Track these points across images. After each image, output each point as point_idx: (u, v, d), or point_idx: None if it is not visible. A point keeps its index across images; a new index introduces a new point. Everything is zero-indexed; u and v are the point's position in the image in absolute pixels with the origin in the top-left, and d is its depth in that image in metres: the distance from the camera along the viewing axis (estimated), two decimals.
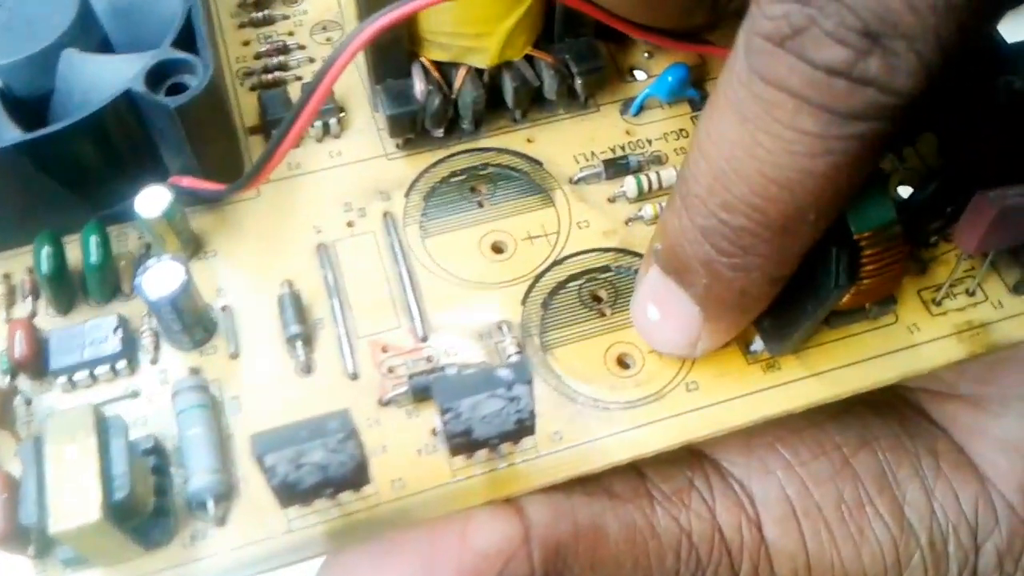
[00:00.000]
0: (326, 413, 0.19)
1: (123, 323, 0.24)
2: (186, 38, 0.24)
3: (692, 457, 0.26)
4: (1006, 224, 0.23)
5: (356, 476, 0.20)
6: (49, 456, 0.20)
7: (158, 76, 0.24)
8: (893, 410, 0.28)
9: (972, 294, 0.25)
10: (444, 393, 0.19)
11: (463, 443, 0.21)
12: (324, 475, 0.20)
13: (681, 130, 0.28)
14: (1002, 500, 0.28)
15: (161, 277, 0.23)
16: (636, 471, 0.25)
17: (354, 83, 0.28)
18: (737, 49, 0.19)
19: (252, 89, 0.28)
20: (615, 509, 0.24)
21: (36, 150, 0.23)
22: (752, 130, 0.18)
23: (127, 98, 0.24)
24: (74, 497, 0.20)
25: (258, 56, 0.29)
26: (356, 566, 0.22)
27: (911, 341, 0.25)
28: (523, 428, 0.21)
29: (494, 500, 0.22)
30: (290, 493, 0.20)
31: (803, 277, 0.22)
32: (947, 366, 0.24)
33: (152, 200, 0.24)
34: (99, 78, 0.24)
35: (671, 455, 0.26)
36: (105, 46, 0.26)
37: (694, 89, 0.28)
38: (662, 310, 0.23)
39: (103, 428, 0.21)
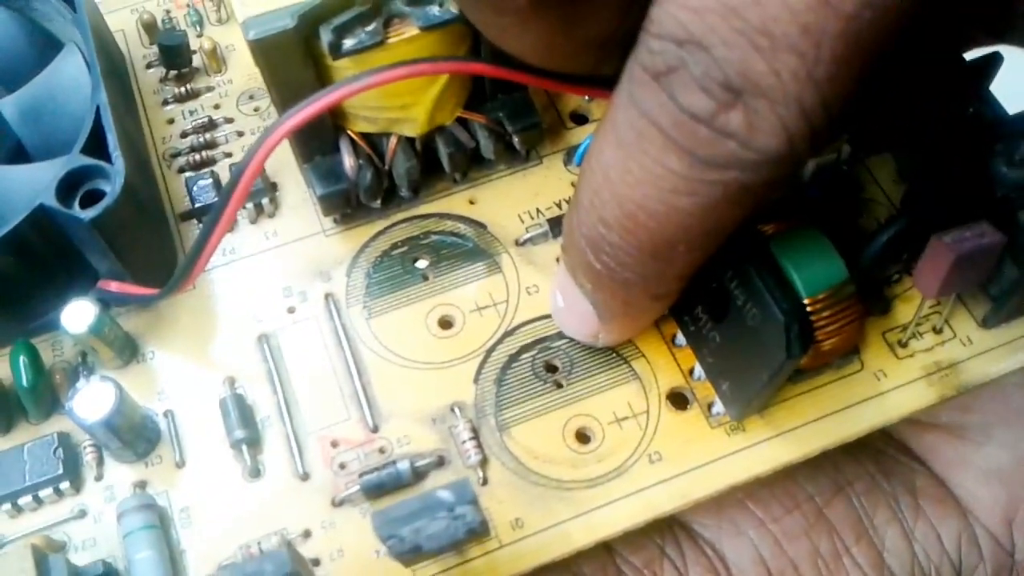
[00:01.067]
0: (263, 556, 0.18)
1: (63, 442, 0.23)
2: (97, 141, 0.23)
3: (661, 522, 0.25)
4: (964, 268, 0.22)
5: None
6: None
7: (70, 186, 0.23)
8: (868, 449, 0.28)
9: (939, 331, 0.24)
10: (383, 525, 0.18)
11: (414, 558, 0.20)
12: None
13: None
14: (986, 533, 0.27)
15: (92, 398, 0.22)
16: (604, 546, 0.24)
17: (286, 158, 0.27)
18: (624, 74, 0.18)
19: (180, 171, 0.27)
20: None
21: None
22: (625, 156, 0.18)
23: (42, 211, 0.23)
24: None
25: (184, 134, 0.28)
26: None
27: (878, 389, 0.24)
28: (476, 534, 0.20)
29: None
30: None
31: (756, 344, 0.21)
32: (917, 412, 0.24)
33: (78, 314, 0.23)
34: (13, 190, 0.23)
35: (643, 535, 0.25)
36: (18, 151, 0.25)
37: None
38: (565, 300, 0.23)
39: (45, 568, 0.20)
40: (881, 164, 0.27)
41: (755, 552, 0.25)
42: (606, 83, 0.20)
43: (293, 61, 0.22)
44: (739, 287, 0.21)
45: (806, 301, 0.21)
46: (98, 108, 0.24)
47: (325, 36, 0.22)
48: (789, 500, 0.26)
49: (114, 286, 0.24)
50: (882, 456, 0.28)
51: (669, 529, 0.25)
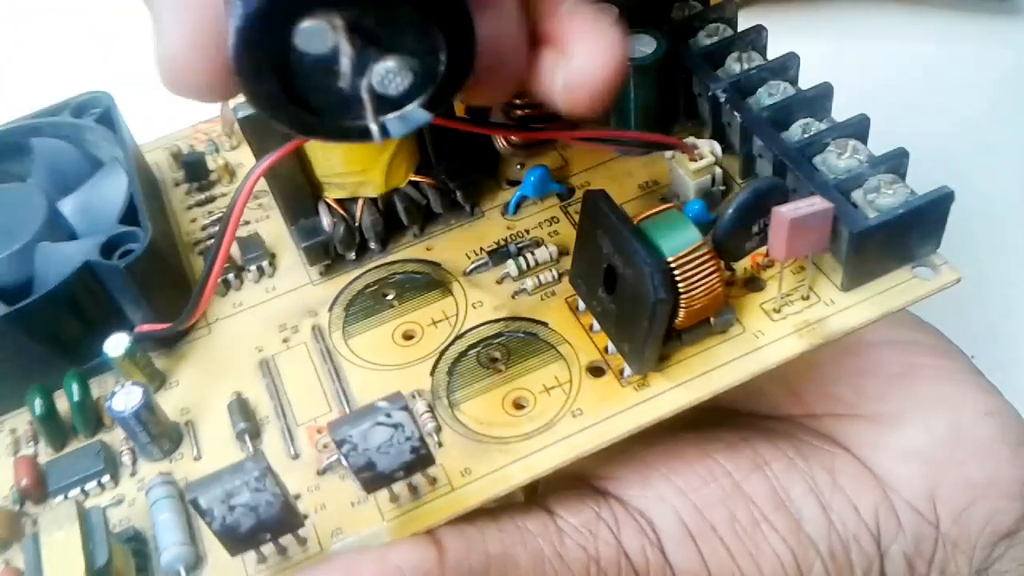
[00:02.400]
0: (244, 458, 0.24)
1: (104, 446, 0.29)
2: (131, 216, 0.31)
3: (597, 494, 0.30)
4: (803, 232, 0.28)
5: (287, 517, 0.25)
6: (44, 543, 0.25)
7: (111, 248, 0.30)
8: (788, 438, 0.32)
9: (807, 298, 0.30)
10: (336, 428, 0.24)
11: (371, 477, 0.25)
12: (257, 517, 0.24)
13: (552, 218, 0.33)
14: (906, 506, 0.30)
15: (126, 398, 0.28)
16: (546, 509, 0.29)
17: (281, 233, 0.34)
18: None
19: (200, 253, 0.34)
20: (525, 542, 0.28)
21: (22, 319, 0.29)
22: None
23: (87, 267, 0.29)
24: (64, 569, 0.24)
25: (203, 228, 0.35)
26: None
27: (757, 345, 0.29)
28: (421, 457, 0.25)
29: (416, 533, 0.27)
30: (233, 537, 0.24)
31: (636, 299, 0.27)
32: (790, 360, 0.28)
33: (117, 343, 0.29)
34: (68, 260, 0.30)
35: (576, 494, 0.30)
36: (73, 236, 0.32)
37: (557, 184, 0.34)
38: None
39: (84, 516, 0.25)
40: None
41: (676, 516, 0.29)
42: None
43: (273, 137, 0.30)
44: (619, 258, 0.27)
45: (669, 259, 0.27)
46: (131, 194, 0.31)
47: None
48: (708, 474, 0.30)
49: (146, 328, 0.30)
50: (801, 443, 0.32)
51: (603, 497, 0.30)
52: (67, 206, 0.32)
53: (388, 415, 0.24)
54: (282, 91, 0.21)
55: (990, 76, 0.31)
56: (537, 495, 0.31)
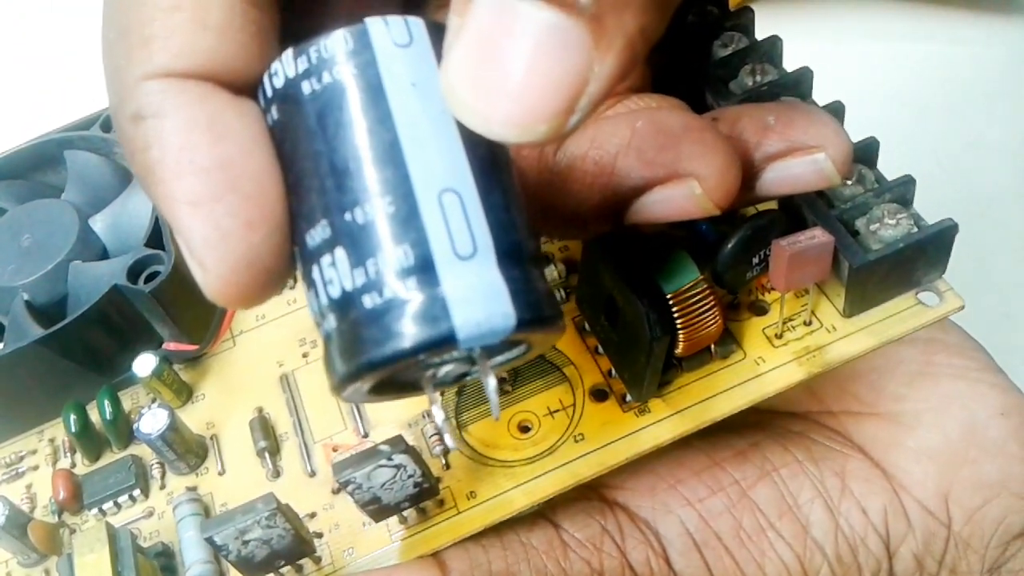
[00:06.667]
0: (256, 498, 0.25)
1: (135, 460, 0.31)
2: (156, 238, 0.32)
3: (604, 505, 0.31)
4: (802, 264, 0.28)
5: (298, 547, 0.26)
6: (76, 565, 0.27)
7: (138, 270, 0.31)
8: (800, 439, 0.32)
9: (808, 324, 0.30)
10: (340, 471, 0.25)
11: (378, 510, 0.27)
12: (270, 549, 0.26)
13: None
14: (917, 506, 0.31)
15: (152, 420, 0.30)
16: (552, 524, 0.30)
17: None
18: None
19: None
20: (529, 558, 0.29)
21: (56, 340, 0.31)
22: None
23: (116, 290, 0.31)
24: None
25: None
26: None
27: (757, 372, 0.29)
28: (424, 491, 0.27)
29: (424, 554, 0.28)
30: (249, 566, 0.26)
31: (635, 335, 0.27)
32: (788, 388, 0.29)
33: (145, 362, 0.31)
34: (98, 280, 0.32)
35: (583, 506, 0.31)
36: (103, 253, 0.34)
37: None
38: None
39: (114, 537, 0.27)
40: None
41: (682, 526, 0.30)
42: None
43: None
44: (620, 294, 0.28)
45: (668, 296, 0.27)
46: (156, 217, 0.33)
47: None
48: (715, 483, 0.31)
49: (173, 346, 0.32)
50: (813, 445, 0.32)
51: (610, 510, 0.31)
52: (98, 223, 0.34)
53: (390, 458, 0.25)
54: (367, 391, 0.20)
55: (990, 76, 0.30)
56: (543, 506, 0.32)
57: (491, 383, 0.20)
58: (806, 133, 0.25)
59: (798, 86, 0.32)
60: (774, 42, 0.33)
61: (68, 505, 0.30)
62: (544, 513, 0.31)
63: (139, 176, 0.20)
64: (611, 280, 0.28)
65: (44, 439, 0.33)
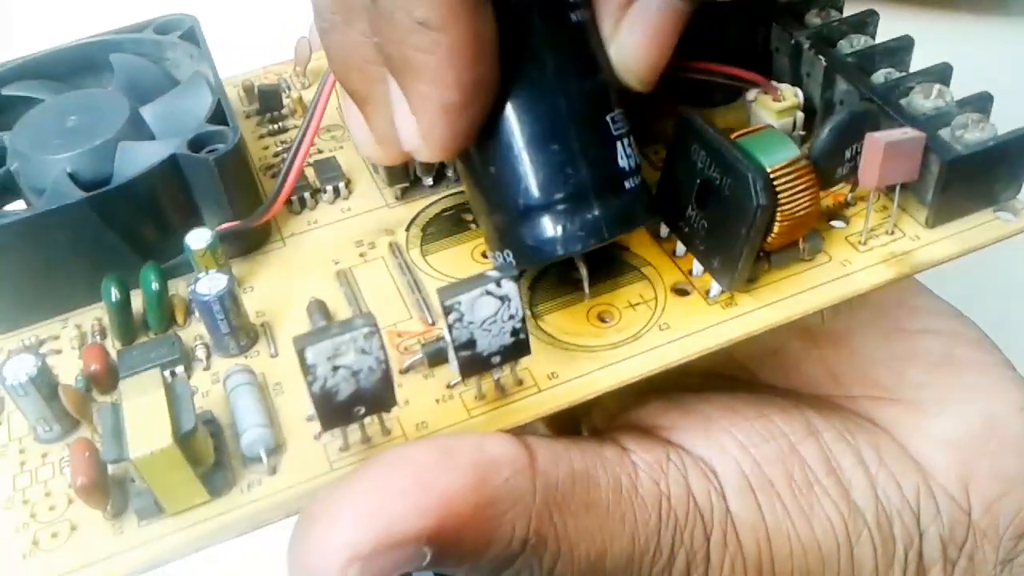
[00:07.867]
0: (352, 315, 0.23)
1: (179, 339, 0.28)
2: (218, 118, 0.31)
3: (663, 440, 0.30)
4: (896, 157, 0.28)
5: (384, 390, 0.24)
6: (126, 408, 0.24)
7: (198, 145, 0.30)
8: (836, 412, 0.32)
9: (891, 233, 0.30)
10: (445, 294, 0.24)
11: (470, 358, 0.25)
12: (356, 385, 0.24)
13: None
14: (943, 492, 0.30)
15: (210, 283, 0.27)
16: (620, 446, 0.28)
17: (356, 161, 0.34)
18: None
19: (272, 176, 0.34)
20: (605, 466, 0.27)
21: (100, 204, 0.28)
22: None
23: (173, 160, 0.29)
24: (149, 431, 0.23)
25: (276, 155, 0.35)
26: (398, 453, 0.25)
27: (845, 272, 0.29)
28: (519, 342, 0.25)
29: (504, 428, 0.26)
30: (329, 405, 0.24)
31: (734, 207, 0.27)
32: (876, 287, 0.28)
33: (199, 236, 0.29)
34: (150, 157, 0.30)
35: (646, 436, 0.29)
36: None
37: None
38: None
39: (170, 385, 0.25)
40: None
41: (738, 467, 0.29)
42: None
43: None
44: (716, 170, 0.27)
45: (768, 169, 0.27)
46: (219, 100, 0.31)
47: None
48: (766, 432, 0.30)
49: (227, 225, 0.30)
50: (848, 420, 0.32)
51: (671, 445, 0.29)
52: (148, 112, 0.32)
53: (498, 284, 0.24)
54: None
55: (990, 76, 0.32)
56: (610, 428, 0.31)
57: None
58: None
59: (864, 27, 0.33)
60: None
61: (100, 380, 0.28)
62: (611, 436, 0.29)
63: (397, 63, 0.25)
64: (708, 158, 0.28)
65: (69, 325, 0.30)
